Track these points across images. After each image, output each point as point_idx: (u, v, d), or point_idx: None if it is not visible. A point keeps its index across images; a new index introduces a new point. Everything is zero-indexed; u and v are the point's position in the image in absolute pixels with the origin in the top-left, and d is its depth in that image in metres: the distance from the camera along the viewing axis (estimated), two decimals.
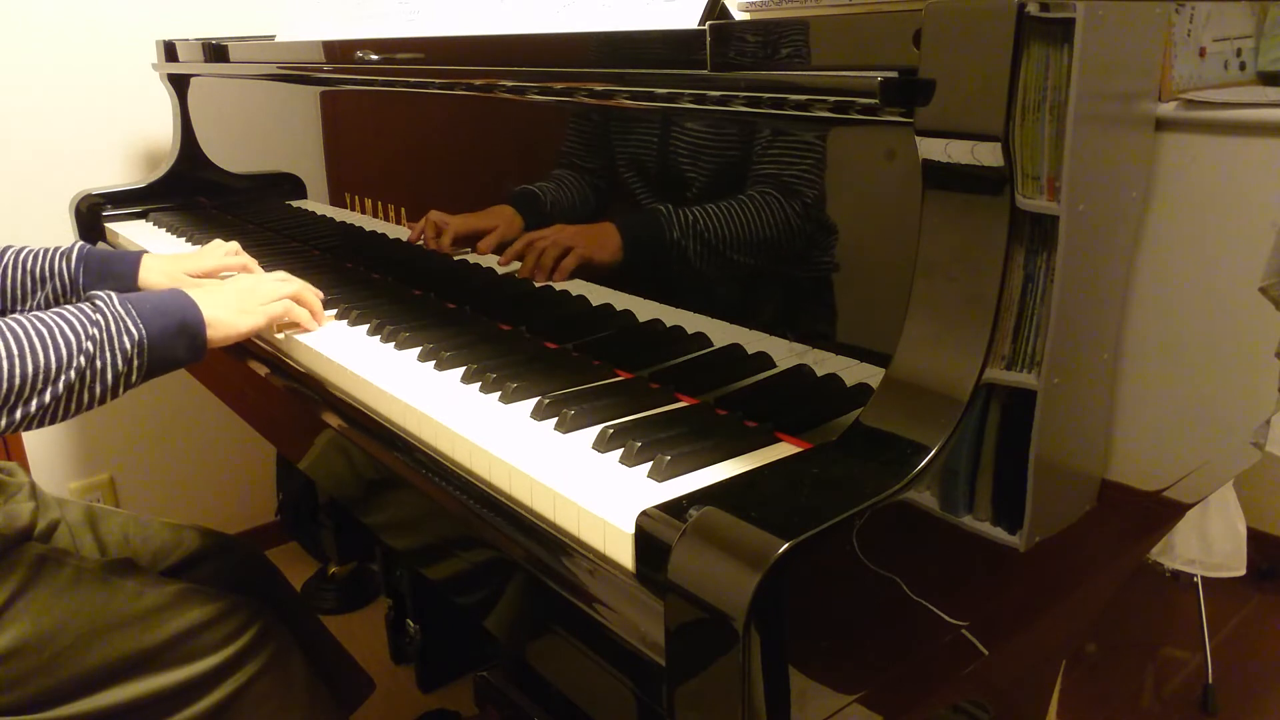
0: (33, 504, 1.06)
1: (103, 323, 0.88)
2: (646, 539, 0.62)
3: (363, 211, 1.29)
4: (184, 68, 1.71)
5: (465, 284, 1.13)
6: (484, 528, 0.74)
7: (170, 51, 1.73)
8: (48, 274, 1.20)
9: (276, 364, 1.09)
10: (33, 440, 1.91)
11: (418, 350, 0.98)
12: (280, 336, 1.08)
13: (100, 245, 1.24)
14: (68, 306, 0.89)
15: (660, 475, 0.69)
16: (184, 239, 1.56)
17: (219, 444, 2.11)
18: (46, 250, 1.21)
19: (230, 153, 1.70)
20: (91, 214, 1.74)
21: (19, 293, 1.20)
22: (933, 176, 0.62)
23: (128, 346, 0.88)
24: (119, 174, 1.90)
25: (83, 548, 1.13)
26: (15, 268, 1.19)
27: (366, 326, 1.07)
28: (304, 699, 1.13)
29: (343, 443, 0.94)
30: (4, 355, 0.82)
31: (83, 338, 0.86)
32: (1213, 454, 0.87)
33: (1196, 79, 0.69)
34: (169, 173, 1.78)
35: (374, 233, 1.29)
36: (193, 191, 1.65)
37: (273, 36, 1.61)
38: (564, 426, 0.79)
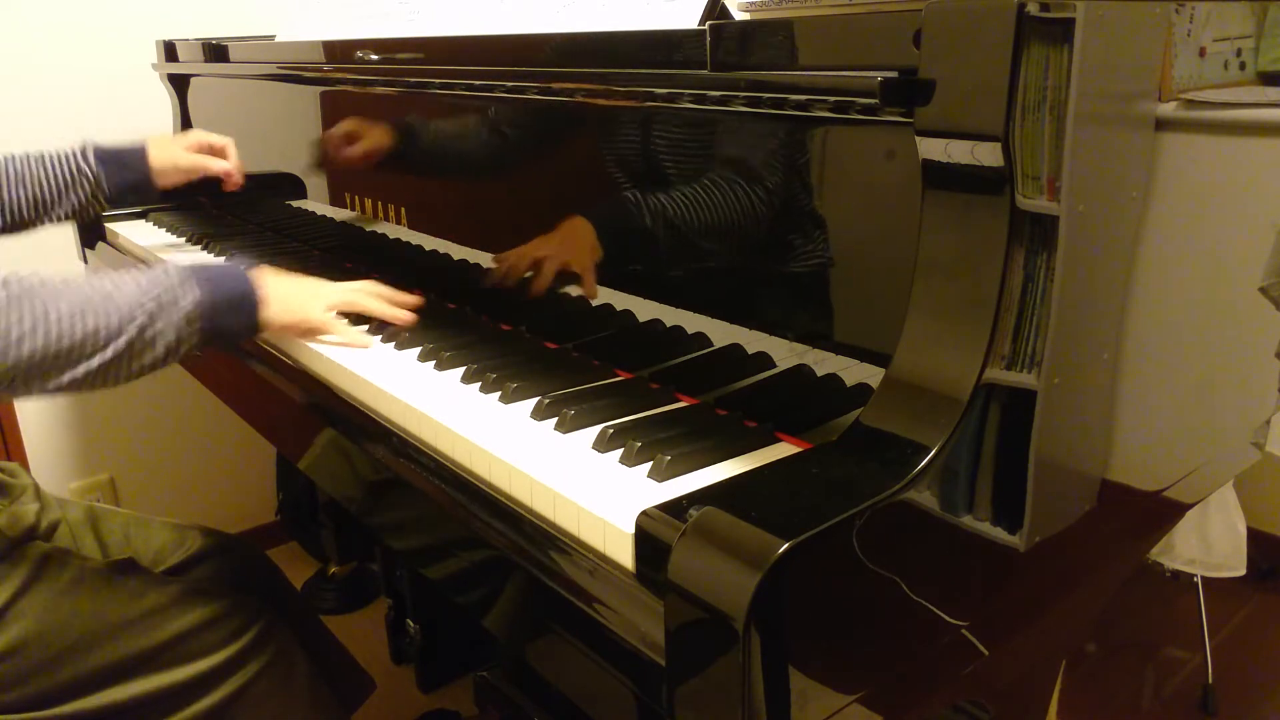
0: (37, 505, 1.06)
1: (162, 289, 0.88)
2: (646, 539, 0.62)
3: (362, 212, 1.29)
4: (184, 68, 1.71)
5: (465, 284, 1.13)
6: (484, 527, 0.74)
7: (170, 51, 1.73)
8: (73, 176, 1.24)
9: (277, 364, 1.09)
10: (33, 440, 1.91)
11: (418, 350, 0.98)
12: (362, 341, 1.02)
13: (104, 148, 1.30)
14: (129, 270, 0.90)
15: (660, 475, 0.69)
16: (184, 239, 1.56)
17: (219, 444, 2.11)
18: (60, 155, 1.25)
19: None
20: None
21: (49, 198, 1.24)
22: (933, 176, 0.62)
23: (185, 314, 0.88)
24: None
25: (84, 548, 1.13)
26: (40, 176, 1.22)
27: (366, 327, 1.06)
28: (305, 698, 1.13)
29: (343, 443, 0.94)
30: (66, 313, 0.82)
31: (146, 299, 0.86)
32: (1213, 454, 0.87)
33: (1196, 79, 0.69)
34: None
35: (373, 233, 1.29)
36: (193, 191, 1.64)
37: (273, 36, 1.61)
38: (564, 426, 0.79)
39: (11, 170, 1.22)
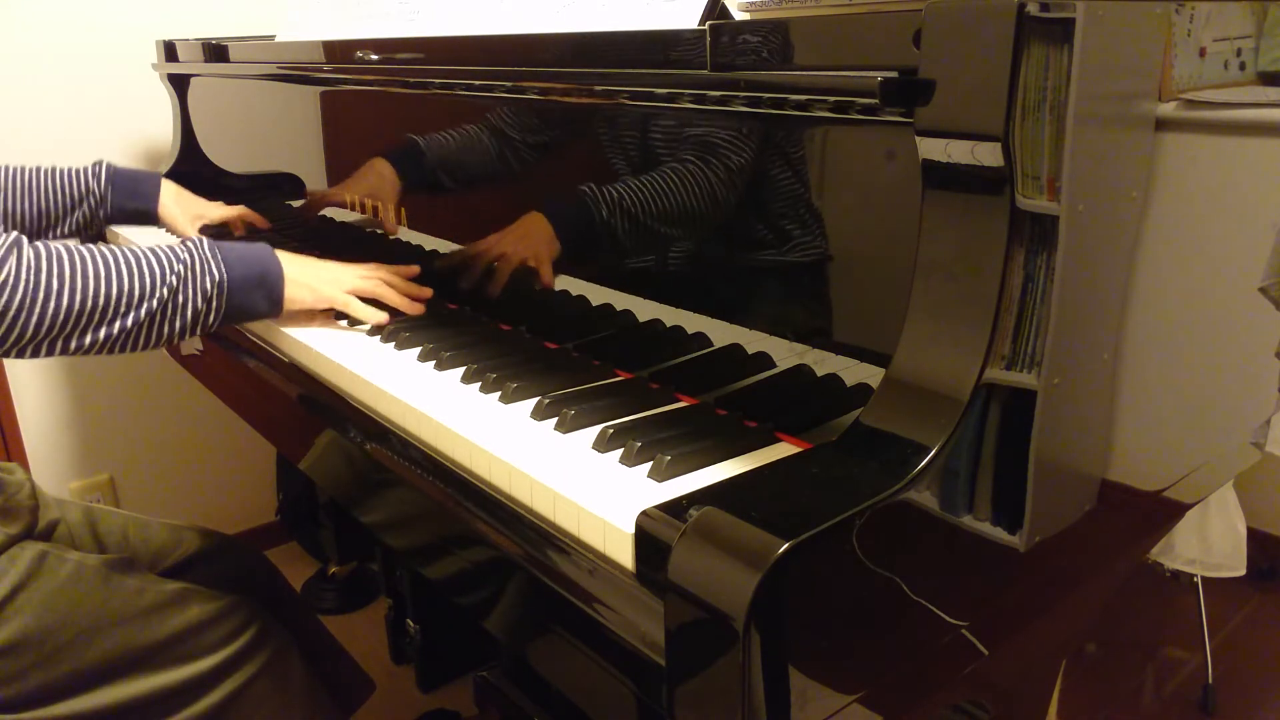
0: (33, 503, 1.06)
1: (189, 261, 0.91)
2: (646, 539, 0.62)
3: (362, 212, 1.29)
4: (184, 68, 1.71)
5: (465, 284, 1.13)
6: (484, 527, 0.74)
7: (170, 51, 1.73)
8: (81, 194, 1.26)
9: (277, 364, 1.09)
10: (33, 440, 1.91)
11: (418, 350, 0.98)
12: (379, 318, 1.04)
13: (116, 165, 1.32)
14: (157, 245, 0.92)
15: (660, 475, 0.69)
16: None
17: (219, 444, 2.11)
18: (72, 170, 1.26)
19: (230, 153, 1.70)
20: None
21: (55, 213, 1.25)
22: (933, 176, 0.62)
23: (209, 286, 0.91)
24: None
25: (82, 547, 1.13)
26: (48, 189, 1.24)
27: (367, 327, 1.06)
28: (303, 700, 1.13)
29: (343, 443, 0.94)
30: (93, 275, 0.85)
31: (168, 271, 0.89)
32: (1213, 454, 0.87)
33: (1196, 79, 0.69)
34: (169, 173, 1.78)
35: (373, 233, 1.29)
36: (193, 191, 1.64)
37: (273, 36, 1.61)
38: (564, 426, 0.79)
39: (20, 181, 1.23)
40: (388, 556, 1.71)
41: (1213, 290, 0.80)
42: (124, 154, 1.90)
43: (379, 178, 1.24)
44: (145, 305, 0.87)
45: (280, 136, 1.49)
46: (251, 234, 1.48)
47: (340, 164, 1.35)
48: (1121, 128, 0.64)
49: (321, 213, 1.41)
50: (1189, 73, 0.68)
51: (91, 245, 0.88)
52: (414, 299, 1.08)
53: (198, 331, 0.93)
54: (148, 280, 0.88)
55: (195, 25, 1.92)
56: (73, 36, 1.80)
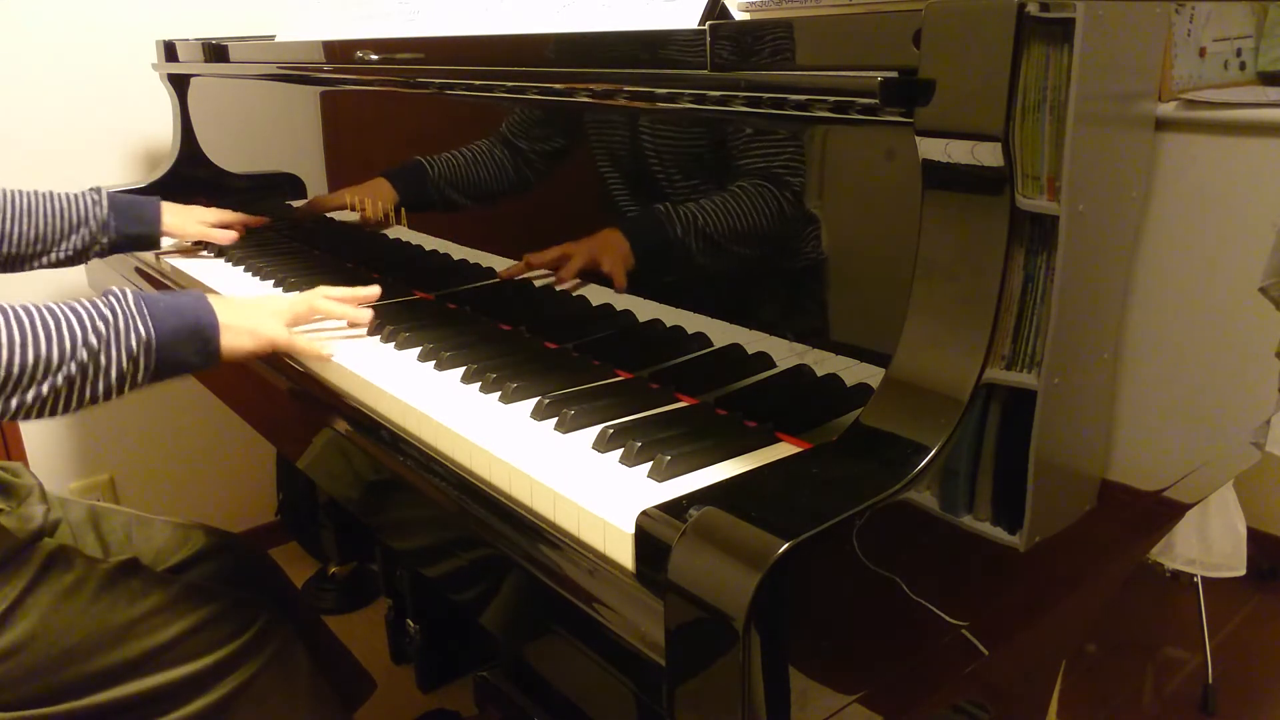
0: (44, 506, 1.06)
1: (111, 319, 0.85)
2: (646, 539, 0.62)
3: (363, 212, 1.29)
4: (184, 68, 1.71)
5: (465, 284, 1.13)
6: (483, 527, 0.74)
7: (170, 51, 1.73)
8: (80, 219, 1.25)
9: (277, 364, 1.09)
10: (33, 440, 1.91)
11: (418, 350, 0.98)
12: (322, 353, 0.98)
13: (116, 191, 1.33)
14: (80, 299, 0.88)
15: (660, 475, 0.69)
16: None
17: (219, 444, 2.11)
18: (70, 196, 1.25)
19: (230, 153, 1.70)
20: None
21: (52, 237, 1.24)
22: (933, 176, 0.62)
23: (134, 345, 0.86)
24: (119, 174, 1.90)
25: (85, 547, 1.13)
26: (47, 212, 1.22)
27: (367, 327, 1.06)
28: (308, 694, 1.13)
29: (342, 443, 0.94)
30: (5, 341, 0.80)
31: (89, 331, 0.84)
32: (1213, 454, 0.87)
33: (1196, 79, 0.69)
34: (169, 173, 1.78)
35: (374, 234, 1.29)
36: (193, 192, 1.64)
37: (273, 36, 1.61)
38: (564, 426, 0.79)
39: (18, 202, 1.22)
40: (388, 556, 1.70)
41: (1213, 290, 0.80)
42: (124, 154, 1.90)
43: (380, 197, 1.25)
44: (64, 370, 0.82)
45: (280, 136, 1.49)
46: (250, 233, 1.49)
47: (340, 164, 1.36)
48: (1121, 128, 0.64)
49: (322, 214, 1.41)
50: (1189, 73, 0.68)
51: (7, 306, 0.83)
52: (362, 303, 1.03)
53: (124, 392, 0.87)
54: (66, 343, 0.82)
55: (195, 25, 1.92)
56: (73, 36, 1.80)
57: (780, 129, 0.75)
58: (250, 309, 0.96)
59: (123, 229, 1.31)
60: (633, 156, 0.88)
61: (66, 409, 0.85)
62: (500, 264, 1.07)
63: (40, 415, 0.84)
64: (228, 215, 1.44)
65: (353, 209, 1.30)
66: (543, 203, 1.02)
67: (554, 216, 1.00)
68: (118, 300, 0.87)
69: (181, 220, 1.38)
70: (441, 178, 1.13)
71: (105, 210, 1.28)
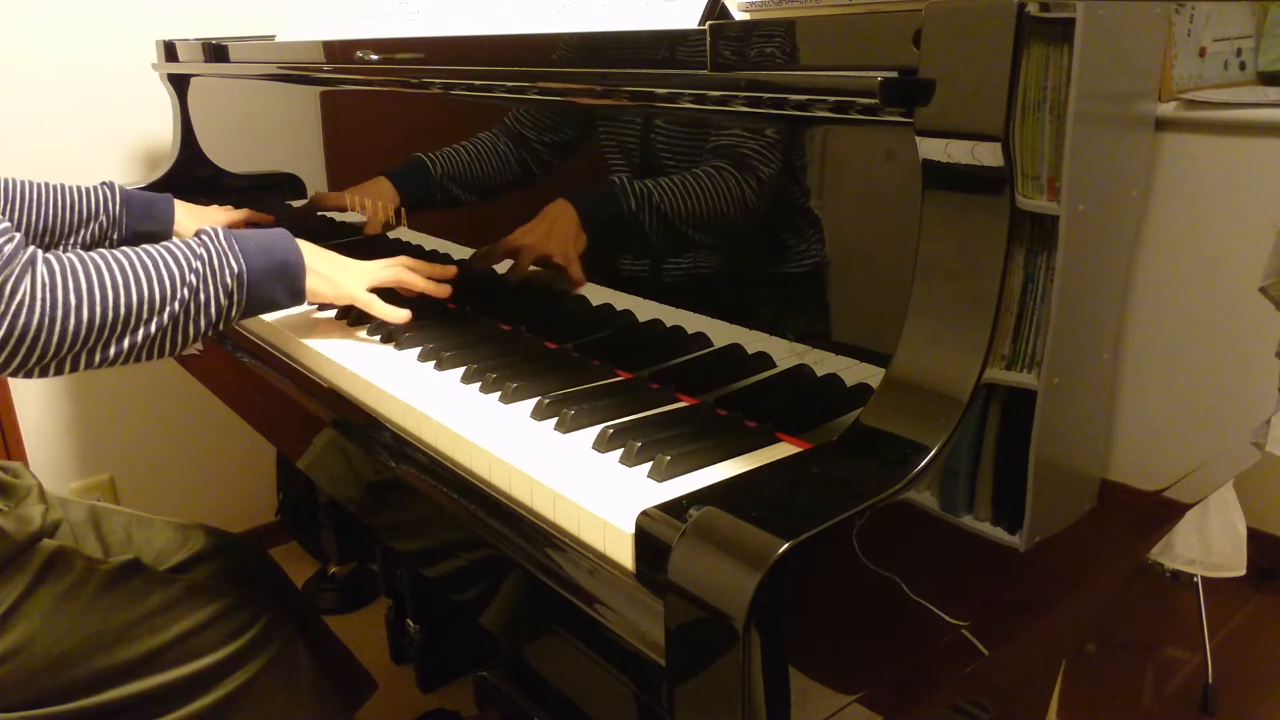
0: (43, 506, 1.06)
1: (206, 256, 0.88)
2: (646, 539, 0.62)
3: (362, 212, 1.29)
4: (184, 68, 1.71)
5: (465, 284, 1.13)
6: (484, 528, 0.74)
7: (170, 51, 1.73)
8: (91, 212, 1.24)
9: (277, 364, 1.09)
10: (33, 440, 1.91)
11: (418, 350, 0.98)
12: (400, 317, 1.01)
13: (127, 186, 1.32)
14: (175, 240, 0.89)
15: (660, 475, 0.69)
16: None
17: (219, 444, 2.11)
18: (83, 189, 1.24)
19: (230, 153, 1.70)
20: None
21: (61, 229, 1.23)
22: (933, 176, 0.62)
23: (229, 280, 0.88)
24: (119, 174, 1.90)
25: (85, 547, 1.13)
26: (60, 204, 1.21)
27: (367, 327, 1.06)
28: (310, 695, 1.13)
29: (343, 443, 0.94)
30: (110, 285, 0.82)
31: (187, 270, 0.86)
32: (1213, 454, 0.87)
33: (1196, 79, 0.69)
34: (169, 173, 1.78)
35: (374, 234, 1.29)
36: (193, 191, 1.64)
37: (273, 36, 1.61)
38: (564, 426, 0.79)
39: (32, 192, 1.22)
40: (388, 556, 1.70)
41: (1213, 290, 0.80)
42: (124, 153, 1.90)
43: (381, 196, 1.25)
44: (168, 309, 0.84)
45: (280, 136, 1.49)
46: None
47: (340, 164, 1.36)
48: (1121, 128, 0.64)
49: (321, 213, 1.41)
50: (1189, 73, 0.68)
51: (105, 251, 0.85)
52: (440, 280, 1.06)
53: (220, 328, 0.90)
54: (167, 282, 0.85)
55: (195, 25, 1.92)
56: (73, 36, 1.80)
57: (781, 130, 0.75)
58: (337, 263, 1.00)
59: (135, 226, 1.30)
60: (642, 150, 0.88)
61: (169, 349, 0.87)
62: (500, 264, 1.07)
63: (144, 357, 0.86)
64: (238, 215, 1.44)
65: (353, 209, 1.30)
66: (543, 202, 1.02)
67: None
68: (210, 237, 0.90)
69: (194, 219, 1.38)
70: (443, 173, 1.13)
71: (118, 206, 1.27)
